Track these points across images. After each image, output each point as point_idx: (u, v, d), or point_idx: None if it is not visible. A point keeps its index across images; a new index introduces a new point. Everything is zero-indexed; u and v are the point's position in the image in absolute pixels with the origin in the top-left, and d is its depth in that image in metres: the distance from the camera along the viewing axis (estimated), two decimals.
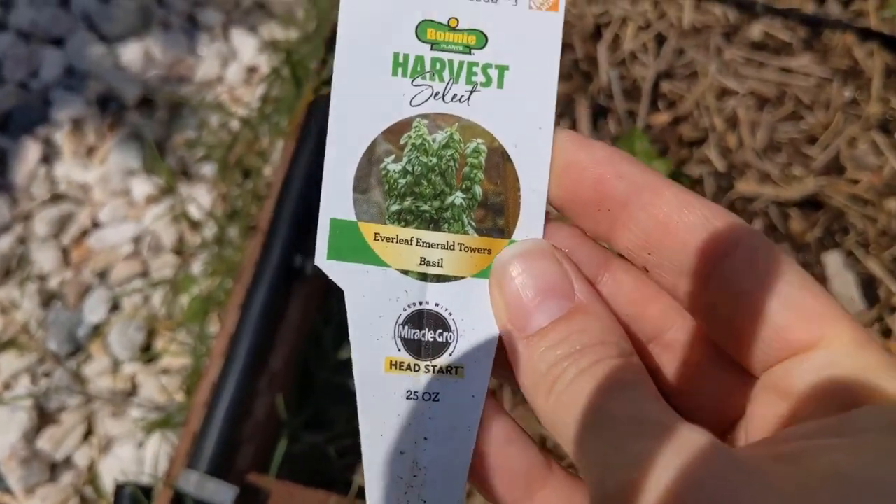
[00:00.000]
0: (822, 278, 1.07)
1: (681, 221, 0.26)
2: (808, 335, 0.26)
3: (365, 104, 0.30)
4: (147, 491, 0.70)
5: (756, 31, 1.17)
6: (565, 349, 0.27)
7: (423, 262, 0.30)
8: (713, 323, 0.28)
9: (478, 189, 0.30)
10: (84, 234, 1.16)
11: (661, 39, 1.16)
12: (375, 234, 0.30)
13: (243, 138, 1.13)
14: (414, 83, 0.30)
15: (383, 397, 0.30)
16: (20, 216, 1.14)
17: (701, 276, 0.27)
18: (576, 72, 1.14)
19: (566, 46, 1.15)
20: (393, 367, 0.30)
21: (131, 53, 1.24)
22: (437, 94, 0.30)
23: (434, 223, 0.30)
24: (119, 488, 0.70)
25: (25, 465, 1.01)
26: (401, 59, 0.29)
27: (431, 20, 0.29)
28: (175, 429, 0.96)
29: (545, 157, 0.29)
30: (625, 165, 0.28)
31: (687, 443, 0.22)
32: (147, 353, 1.09)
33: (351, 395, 0.88)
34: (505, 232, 0.30)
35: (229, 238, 1.07)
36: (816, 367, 0.25)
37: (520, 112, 0.30)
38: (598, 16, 1.16)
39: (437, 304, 0.30)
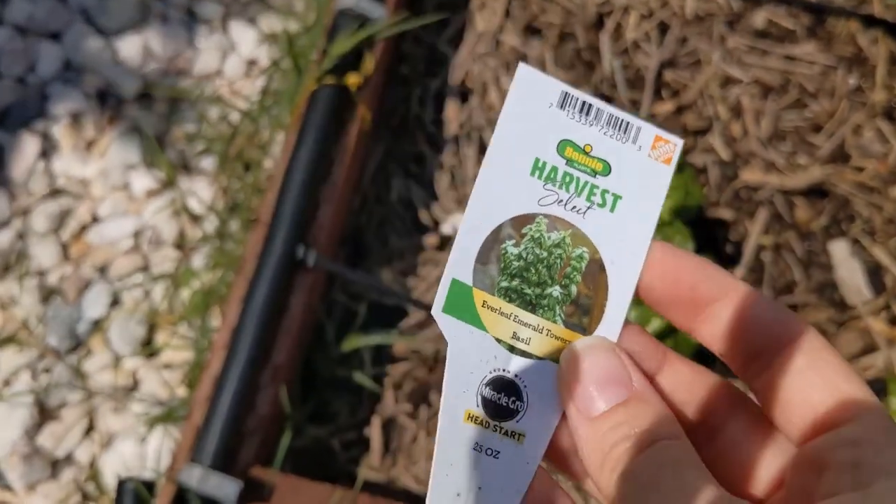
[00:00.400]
0: (827, 267, 1.06)
1: (752, 317, 0.33)
2: (842, 415, 0.30)
3: (503, 192, 0.35)
4: (149, 486, 0.69)
5: (759, 18, 1.16)
6: (624, 431, 0.31)
7: (515, 336, 0.34)
8: (767, 400, 0.33)
9: (574, 288, 0.35)
10: (83, 228, 1.15)
11: (663, 28, 1.15)
12: (484, 301, 0.34)
13: (243, 131, 1.12)
14: (545, 187, 0.35)
15: (457, 443, 0.33)
16: (19, 211, 1.13)
17: (761, 361, 0.33)
18: (578, 61, 1.13)
19: (568, 35, 1.14)
20: (469, 419, 0.34)
21: (129, 47, 1.22)
22: (561, 201, 0.35)
23: (532, 306, 0.35)
24: (121, 484, 0.69)
25: (26, 461, 1.00)
26: (540, 164, 0.35)
27: (572, 141, 0.36)
28: (177, 423, 0.95)
29: (634, 277, 0.35)
30: (712, 271, 0.34)
31: None
32: (148, 348, 1.08)
33: (353, 388, 0.88)
34: (587, 330, 0.35)
35: (230, 231, 1.06)
36: (846, 442, 0.29)
37: (622, 236, 0.35)
38: (600, 4, 1.15)
39: (516, 375, 0.34)
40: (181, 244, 1.13)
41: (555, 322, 0.35)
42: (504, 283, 0.35)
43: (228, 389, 0.77)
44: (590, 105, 0.37)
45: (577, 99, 0.36)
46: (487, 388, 0.34)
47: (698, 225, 1.09)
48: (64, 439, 1.01)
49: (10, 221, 1.13)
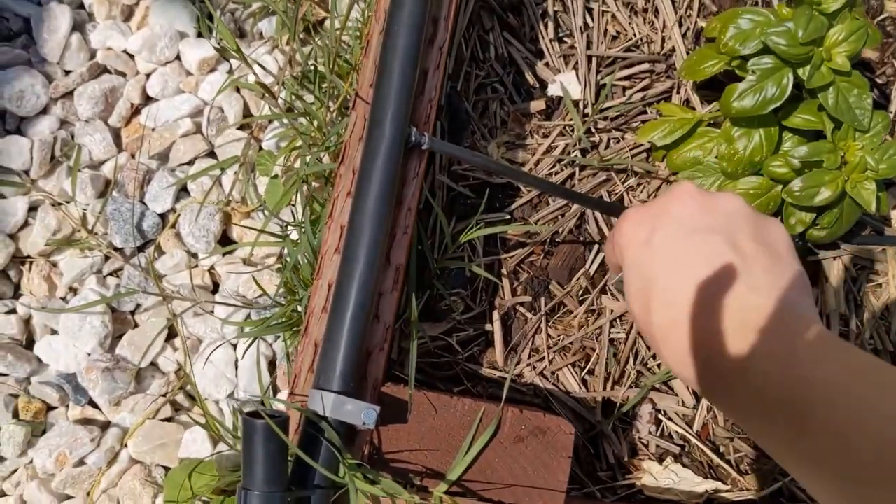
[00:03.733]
0: None
1: None
2: None
3: None
4: (275, 417, 0.60)
5: None
6: None
7: None
8: None
9: None
10: (135, 110, 1.01)
11: None
12: None
13: None
14: None
15: None
16: (58, 95, 0.99)
17: None
18: None
19: None
20: None
21: None
22: None
23: None
24: (247, 421, 0.59)
25: (107, 375, 0.91)
26: None
27: None
28: (274, 331, 0.84)
29: None
30: None
31: None
32: (224, 244, 0.96)
33: (466, 278, 0.75)
34: None
35: (305, 106, 0.92)
36: None
37: None
38: None
39: None
40: (247, 124, 0.99)
41: None
42: None
43: (349, 299, 0.65)
44: None
45: None
46: None
47: None
48: (145, 348, 0.92)
49: (50, 107, 0.99)
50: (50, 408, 0.93)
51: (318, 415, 0.64)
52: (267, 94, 0.91)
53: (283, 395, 0.91)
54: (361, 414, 0.64)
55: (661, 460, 0.84)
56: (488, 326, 0.86)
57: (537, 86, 0.92)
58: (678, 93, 0.93)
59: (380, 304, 0.70)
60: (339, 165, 0.73)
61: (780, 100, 0.74)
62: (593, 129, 0.91)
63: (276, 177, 0.93)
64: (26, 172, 0.96)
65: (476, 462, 0.69)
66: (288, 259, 0.83)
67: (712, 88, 0.92)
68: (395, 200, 0.71)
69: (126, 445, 0.91)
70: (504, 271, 0.87)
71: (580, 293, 0.87)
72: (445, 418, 0.69)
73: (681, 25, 0.94)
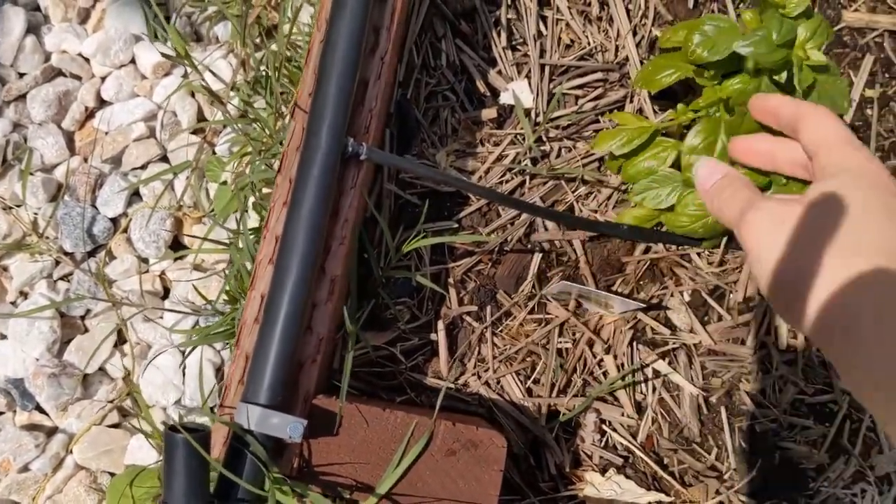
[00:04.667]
0: None
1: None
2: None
3: None
4: (199, 431, 0.59)
5: None
6: (724, 185, 0.57)
7: None
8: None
9: None
10: (89, 114, 1.00)
11: None
12: None
13: None
14: None
15: None
16: (11, 97, 0.98)
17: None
18: None
19: None
20: None
21: None
22: None
23: None
24: (169, 434, 0.59)
25: (53, 381, 0.91)
26: None
27: None
28: (218, 339, 0.84)
29: None
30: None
31: None
32: (176, 250, 0.96)
33: (412, 289, 0.74)
34: None
35: (257, 111, 0.91)
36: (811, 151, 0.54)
37: None
38: None
39: None
40: (201, 128, 0.98)
41: None
42: None
43: (280, 310, 0.65)
44: None
45: None
46: None
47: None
48: (92, 354, 0.91)
49: (3, 110, 0.98)
50: None
51: (243, 428, 0.64)
52: (216, 100, 0.91)
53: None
54: (287, 427, 0.64)
55: (604, 471, 0.84)
56: (433, 336, 0.85)
57: (489, 94, 0.92)
58: (631, 102, 0.92)
59: (313, 316, 0.70)
60: (277, 175, 0.72)
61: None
62: (545, 138, 0.90)
63: (224, 183, 0.92)
64: None
65: (407, 475, 0.69)
66: (232, 267, 0.83)
67: (666, 98, 0.91)
68: (332, 211, 0.71)
69: (72, 451, 0.91)
70: (451, 280, 0.87)
71: (527, 302, 0.87)
72: (377, 431, 0.69)
73: (635, 34, 0.93)
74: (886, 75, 0.94)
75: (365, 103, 0.74)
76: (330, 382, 0.79)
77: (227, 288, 0.82)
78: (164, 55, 0.99)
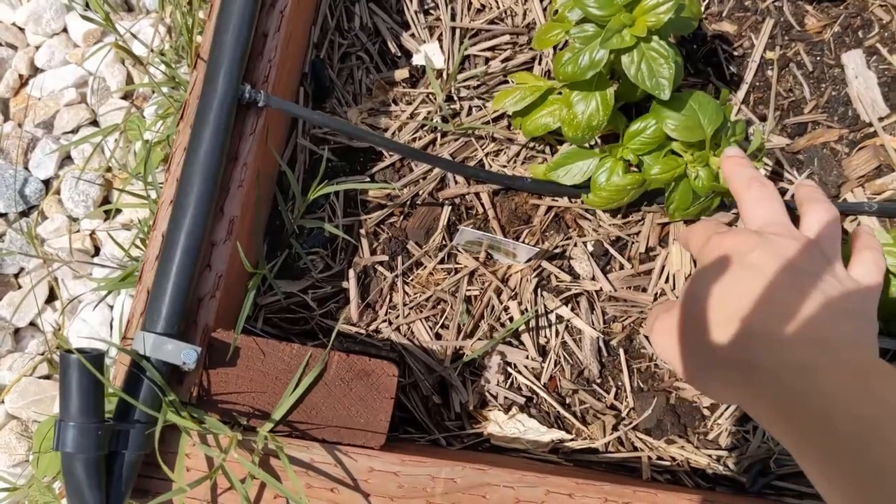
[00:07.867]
0: (840, 81, 0.96)
1: None
2: None
3: None
4: (100, 357, 0.63)
5: None
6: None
7: None
8: None
9: None
10: (24, 82, 1.04)
11: None
12: None
13: None
14: None
15: None
16: None
17: None
18: None
19: None
20: None
21: None
22: None
23: None
24: (63, 357, 0.62)
25: None
26: None
27: None
28: (130, 283, 0.88)
29: None
30: None
31: None
32: (105, 209, 1.00)
33: (325, 240, 0.78)
34: None
35: (180, 75, 0.95)
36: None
37: None
38: None
39: None
40: (129, 93, 1.02)
41: None
42: None
43: (176, 246, 0.69)
44: None
45: None
46: None
47: (697, 41, 0.98)
48: (23, 308, 0.95)
49: None
50: None
51: (140, 354, 0.68)
52: (138, 65, 0.95)
53: None
54: (181, 354, 0.67)
55: (507, 411, 0.87)
56: (345, 284, 0.89)
57: (402, 56, 0.96)
58: (540, 64, 0.96)
59: (212, 254, 0.74)
60: (179, 122, 0.76)
61: (598, 66, 0.77)
62: (455, 98, 0.94)
63: (147, 142, 0.96)
64: None
65: (302, 402, 0.73)
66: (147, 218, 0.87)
67: None
68: (231, 156, 0.75)
69: (3, 402, 0.95)
70: (363, 232, 0.91)
71: (437, 252, 0.91)
72: (274, 362, 0.73)
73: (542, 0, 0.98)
74: (786, 38, 0.98)
75: (264, 54, 0.78)
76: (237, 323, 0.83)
77: (142, 236, 0.86)
78: (94, 22, 1.03)
